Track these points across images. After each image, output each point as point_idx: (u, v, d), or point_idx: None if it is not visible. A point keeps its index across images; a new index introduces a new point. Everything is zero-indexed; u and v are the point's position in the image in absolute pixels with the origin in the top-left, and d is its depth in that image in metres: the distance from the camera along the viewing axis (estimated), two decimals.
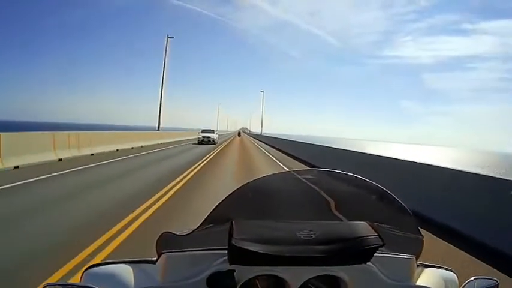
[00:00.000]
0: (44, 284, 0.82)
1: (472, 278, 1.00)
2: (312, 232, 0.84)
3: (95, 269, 0.91)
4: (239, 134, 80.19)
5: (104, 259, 3.49)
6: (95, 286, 0.79)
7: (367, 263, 0.91)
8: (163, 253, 0.91)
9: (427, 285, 0.98)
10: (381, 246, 0.84)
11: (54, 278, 2.91)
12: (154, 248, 0.94)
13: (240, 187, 0.94)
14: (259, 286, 0.90)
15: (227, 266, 0.85)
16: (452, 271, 1.09)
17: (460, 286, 1.01)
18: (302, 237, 0.82)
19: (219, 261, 0.88)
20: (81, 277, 0.89)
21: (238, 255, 0.81)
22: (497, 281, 1.02)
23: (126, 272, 0.89)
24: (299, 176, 1.06)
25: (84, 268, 0.91)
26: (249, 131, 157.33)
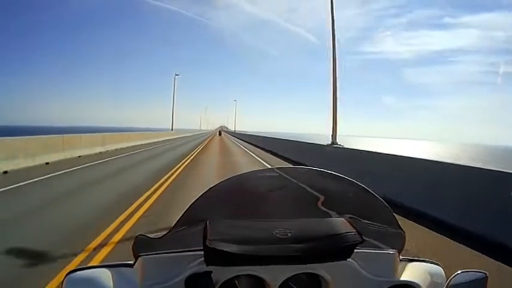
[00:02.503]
0: None
1: (459, 272, 0.98)
2: (288, 230, 0.83)
3: (75, 274, 0.90)
4: (220, 133, 78.63)
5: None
6: None
7: (348, 260, 0.90)
8: (140, 256, 0.90)
9: (412, 280, 0.97)
10: (360, 242, 0.84)
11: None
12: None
13: (215, 185, 0.93)
14: (238, 286, 0.89)
15: (204, 267, 0.84)
16: (438, 264, 1.07)
17: (446, 279, 1.00)
18: (278, 235, 0.81)
19: (196, 263, 0.87)
20: (62, 282, 0.88)
21: (214, 256, 0.80)
22: (485, 274, 1.00)
23: (105, 276, 0.88)
24: (279, 172, 1.05)
25: (66, 273, 0.89)
26: (227, 128, 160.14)
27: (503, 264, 3.81)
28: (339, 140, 12.95)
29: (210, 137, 55.10)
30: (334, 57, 13.58)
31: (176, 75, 46.15)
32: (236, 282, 0.88)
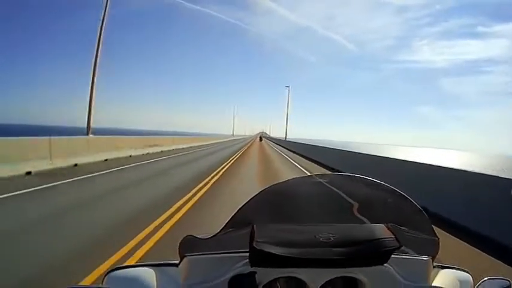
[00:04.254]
0: (68, 286, 0.85)
1: (486, 279, 1.00)
2: (331, 235, 0.85)
3: (117, 272, 0.92)
4: (260, 139, 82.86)
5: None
6: None
7: (385, 265, 0.92)
8: (186, 256, 0.92)
9: (442, 286, 0.98)
10: (398, 248, 0.85)
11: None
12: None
13: (261, 192, 0.96)
14: (282, 287, 0.91)
15: (248, 269, 0.86)
16: (467, 272, 1.09)
17: (474, 286, 1.02)
18: (321, 239, 0.84)
19: (241, 264, 0.89)
20: (103, 280, 0.91)
21: (259, 258, 0.82)
22: (510, 281, 1.01)
23: (148, 275, 0.91)
24: (320, 180, 1.07)
25: (106, 271, 0.92)
26: (268, 135, 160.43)
27: None
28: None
29: (252, 141, 71.90)
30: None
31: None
32: (277, 283, 0.90)
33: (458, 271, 1.09)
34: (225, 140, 59.99)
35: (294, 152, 29.51)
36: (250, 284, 0.85)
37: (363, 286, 0.92)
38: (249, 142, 62.75)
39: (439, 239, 1.01)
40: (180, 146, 26.11)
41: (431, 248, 1.03)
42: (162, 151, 20.33)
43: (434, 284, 1.00)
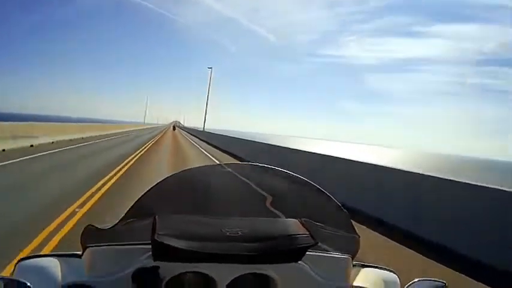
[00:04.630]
0: None
1: (416, 280, 0.95)
2: (239, 229, 0.82)
3: (26, 262, 0.91)
4: (174, 128, 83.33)
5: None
6: (25, 280, 0.78)
7: (299, 262, 0.88)
8: (88, 247, 0.89)
9: (364, 286, 0.95)
10: (313, 245, 0.82)
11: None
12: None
13: (165, 179, 0.91)
14: (185, 283, 0.87)
15: (152, 262, 0.83)
16: (393, 272, 1.05)
17: (402, 287, 0.97)
18: (228, 233, 0.80)
19: (144, 257, 0.85)
20: (13, 270, 0.89)
21: (162, 251, 0.79)
22: (445, 283, 0.97)
23: (54, 265, 0.89)
24: (230, 169, 1.03)
25: (16, 261, 0.91)
26: (182, 125, 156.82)
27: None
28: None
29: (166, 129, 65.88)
30: None
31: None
32: (184, 279, 0.86)
33: (383, 271, 1.04)
34: (129, 129, 49.52)
35: (207, 143, 28.14)
36: (153, 278, 0.82)
37: (275, 284, 0.88)
38: (162, 131, 59.35)
39: (359, 237, 0.99)
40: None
41: (350, 246, 1.00)
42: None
43: (355, 283, 0.96)
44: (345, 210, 0.99)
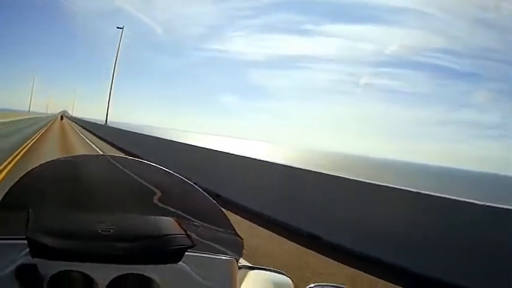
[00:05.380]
0: None
1: (312, 285, 0.92)
2: (111, 227, 0.80)
3: None
4: (61, 118, 73.76)
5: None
6: None
7: (179, 263, 0.85)
8: None
9: None
10: (190, 247, 0.81)
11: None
12: None
13: (39, 166, 0.85)
14: (66, 282, 0.82)
15: (31, 259, 0.78)
16: (284, 274, 1.02)
17: None
18: (101, 231, 0.78)
19: (24, 253, 0.80)
20: None
21: (37, 249, 0.75)
22: (344, 286, 0.96)
23: None
24: (114, 162, 1.00)
25: None
26: (70, 115, 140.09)
27: None
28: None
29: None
30: None
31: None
32: (65, 277, 0.82)
33: (274, 273, 1.02)
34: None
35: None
36: (34, 275, 0.77)
37: (157, 285, 0.86)
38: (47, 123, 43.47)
39: (242, 239, 0.98)
40: None
41: (234, 247, 0.98)
42: None
43: (242, 286, 0.93)
44: (222, 210, 1.00)
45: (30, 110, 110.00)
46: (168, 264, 0.84)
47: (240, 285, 0.93)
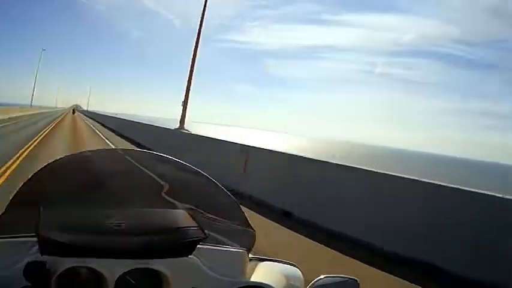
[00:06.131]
0: None
1: (322, 277, 0.92)
2: (124, 221, 0.79)
3: None
4: (73, 112, 73.04)
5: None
6: None
7: (190, 256, 0.84)
8: None
9: (263, 281, 0.90)
10: (203, 238, 0.80)
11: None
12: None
13: (50, 163, 0.85)
14: (76, 278, 0.82)
15: (40, 256, 0.79)
16: (295, 266, 1.01)
17: (307, 283, 0.94)
18: (112, 226, 0.78)
19: (33, 251, 0.81)
20: None
21: (48, 246, 0.76)
22: (356, 280, 0.94)
23: None
24: (126, 156, 1.00)
25: None
26: (82, 108, 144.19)
27: None
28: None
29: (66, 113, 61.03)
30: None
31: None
32: (74, 273, 0.82)
33: (284, 265, 1.01)
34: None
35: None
36: (44, 272, 0.77)
37: (166, 279, 0.85)
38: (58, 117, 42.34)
39: (254, 230, 0.98)
40: None
41: (245, 240, 0.97)
42: None
43: (253, 279, 0.91)
44: (237, 202, 0.99)
45: (52, 104, 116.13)
46: (178, 258, 0.83)
47: (250, 277, 0.92)
